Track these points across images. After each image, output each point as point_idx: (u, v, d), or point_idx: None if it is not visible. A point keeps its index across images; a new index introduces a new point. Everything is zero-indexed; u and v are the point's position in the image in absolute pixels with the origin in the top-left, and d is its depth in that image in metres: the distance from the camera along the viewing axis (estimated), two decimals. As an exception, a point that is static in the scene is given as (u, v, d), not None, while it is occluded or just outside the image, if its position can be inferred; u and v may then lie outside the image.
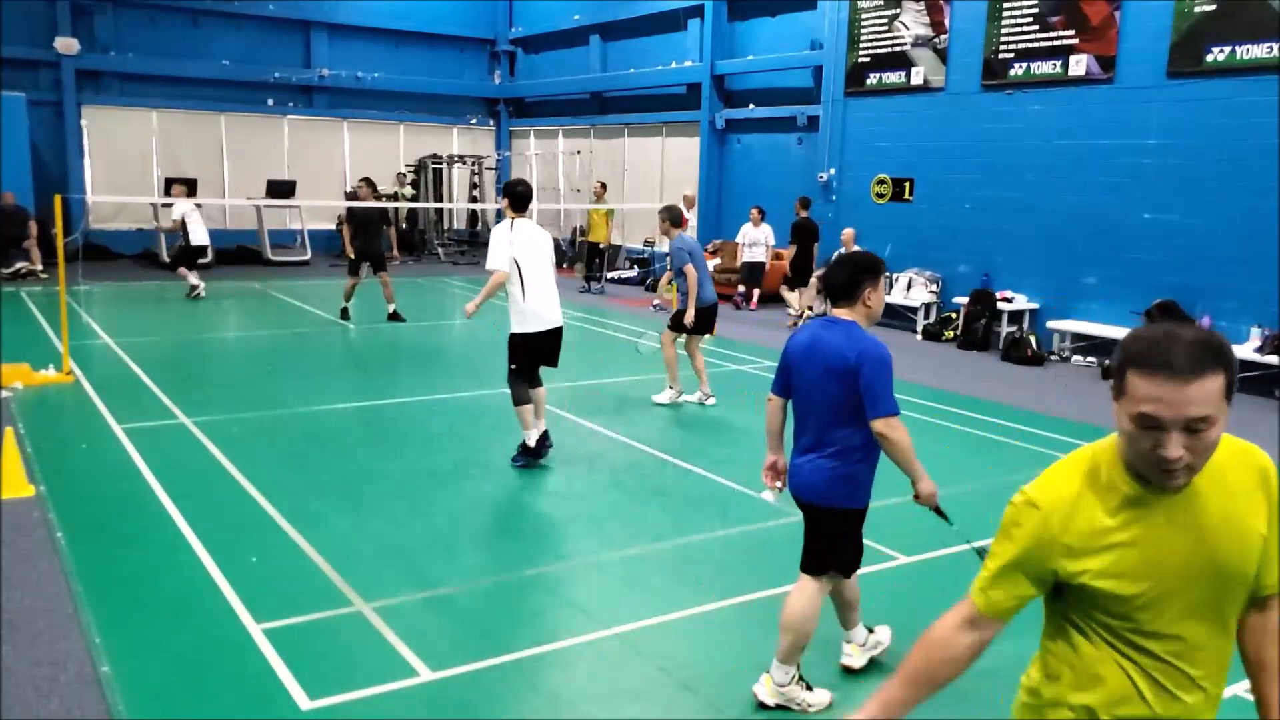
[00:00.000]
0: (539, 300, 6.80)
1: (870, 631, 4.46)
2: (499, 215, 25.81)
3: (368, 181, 14.17)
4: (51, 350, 10.22)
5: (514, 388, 6.92)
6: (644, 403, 9.26)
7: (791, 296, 14.94)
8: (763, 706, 4.02)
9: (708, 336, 9.69)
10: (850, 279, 3.93)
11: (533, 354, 6.90)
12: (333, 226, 21.27)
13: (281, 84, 22.66)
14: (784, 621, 3.99)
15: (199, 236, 15.15)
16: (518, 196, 6.89)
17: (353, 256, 13.50)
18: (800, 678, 4.05)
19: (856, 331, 3.88)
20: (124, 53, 20.92)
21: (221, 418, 8.17)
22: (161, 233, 15.23)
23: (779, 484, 4.24)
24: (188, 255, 15.23)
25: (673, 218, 9.13)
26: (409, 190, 22.79)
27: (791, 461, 4.08)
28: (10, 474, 6.32)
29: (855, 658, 4.37)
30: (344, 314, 13.71)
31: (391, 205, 14.30)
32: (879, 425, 3.76)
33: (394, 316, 13.75)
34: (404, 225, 23.13)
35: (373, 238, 13.54)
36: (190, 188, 17.86)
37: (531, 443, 6.88)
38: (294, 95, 23.09)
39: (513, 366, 6.89)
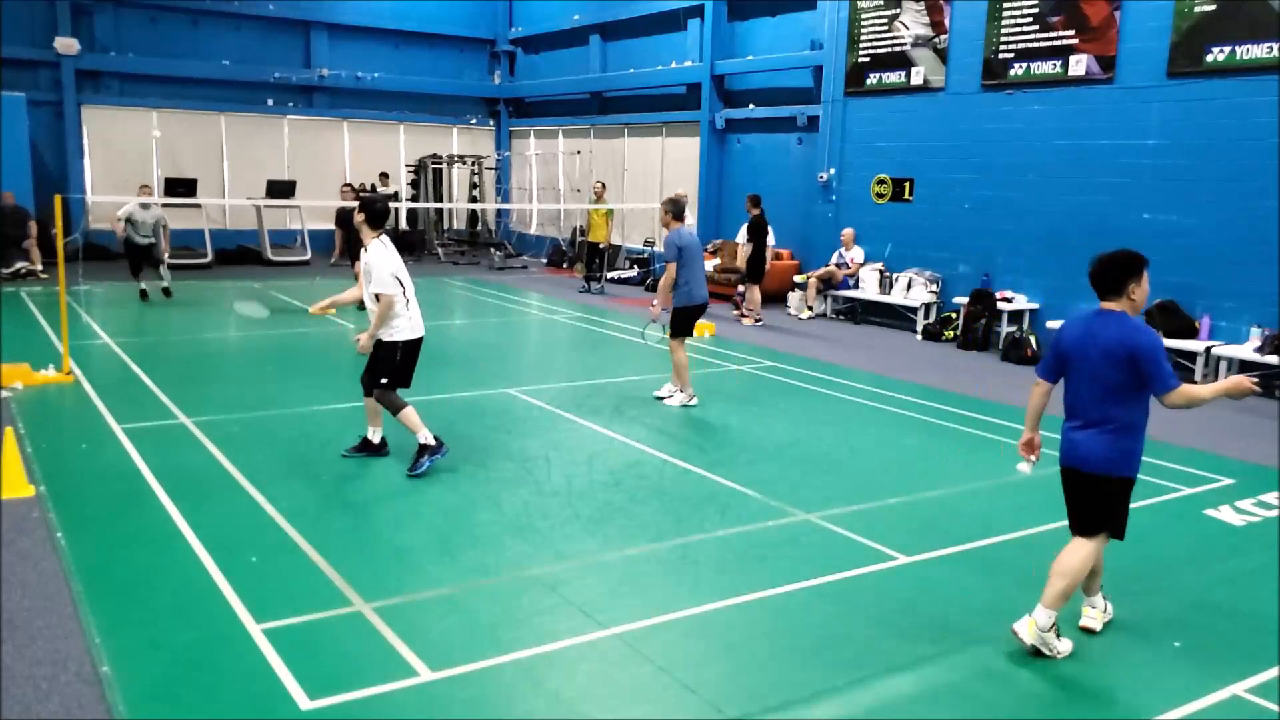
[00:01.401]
0: (415, 308, 6.95)
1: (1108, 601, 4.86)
2: (500, 216, 25.59)
3: (350, 186, 15.48)
4: (51, 350, 10.22)
5: (390, 400, 6.87)
6: (644, 403, 9.26)
7: (751, 293, 14.87)
8: (1017, 640, 4.50)
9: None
10: (1115, 275, 4.41)
11: (407, 362, 6.92)
12: (332, 226, 21.30)
13: (281, 84, 22.67)
14: (1059, 568, 4.47)
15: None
16: (380, 215, 6.94)
17: (338, 254, 15.12)
18: (1057, 627, 4.50)
19: (1127, 321, 4.38)
20: (124, 53, 20.92)
21: (221, 417, 8.17)
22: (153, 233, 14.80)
23: (1034, 458, 4.81)
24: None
25: (675, 210, 8.98)
26: (394, 189, 22.54)
27: (1067, 437, 4.57)
28: (10, 474, 6.32)
29: (1097, 621, 4.77)
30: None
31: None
32: (1169, 399, 4.28)
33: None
34: (404, 225, 23.11)
35: (356, 239, 14.04)
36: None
37: (431, 441, 6.81)
38: (294, 95, 23.09)
39: (384, 381, 6.84)
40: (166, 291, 14.82)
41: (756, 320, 14.61)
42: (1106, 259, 4.44)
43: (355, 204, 14.71)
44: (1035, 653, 4.46)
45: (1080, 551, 4.51)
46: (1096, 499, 4.52)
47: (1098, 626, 4.73)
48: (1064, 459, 4.61)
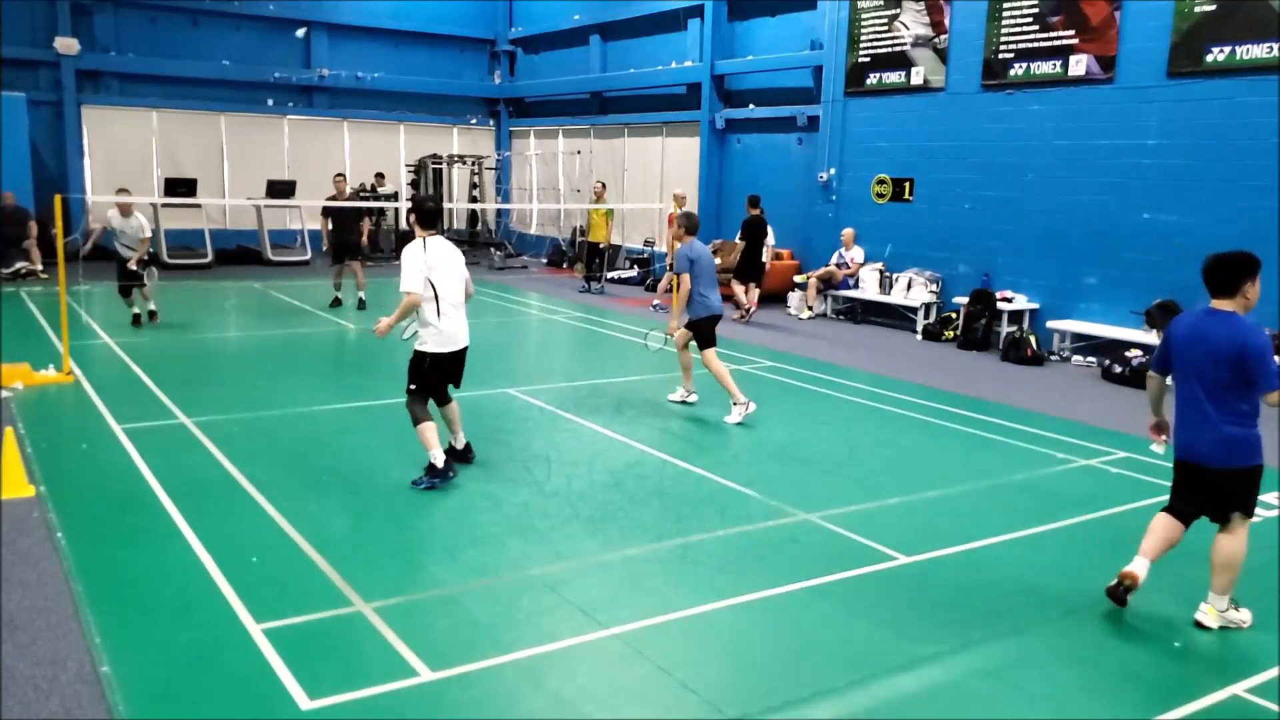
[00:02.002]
0: (452, 320, 6.67)
1: (1235, 606, 4.93)
2: (500, 216, 25.65)
3: (342, 176, 15.36)
4: (51, 350, 10.22)
5: (413, 408, 6.71)
6: (644, 403, 9.26)
7: (739, 292, 14.96)
8: (1202, 627, 4.80)
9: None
10: (1230, 274, 4.58)
11: (439, 375, 6.77)
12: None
13: (281, 84, 22.67)
14: (1218, 562, 4.74)
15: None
16: (428, 214, 6.69)
17: (325, 249, 14.75)
18: (1233, 601, 4.81)
19: (1237, 321, 4.56)
20: (124, 53, 20.92)
21: (221, 418, 8.17)
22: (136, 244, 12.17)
23: (1164, 438, 5.10)
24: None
25: (689, 225, 9.13)
26: (392, 189, 22.51)
27: (1181, 432, 4.76)
28: (10, 474, 6.32)
29: (1211, 619, 4.85)
30: (335, 302, 14.67)
31: (363, 204, 14.81)
32: (1273, 398, 4.47)
33: (361, 304, 14.62)
34: (404, 225, 23.10)
35: (348, 230, 14.35)
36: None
37: (439, 463, 6.63)
38: (294, 95, 23.09)
39: (412, 387, 6.71)
40: (151, 315, 12.64)
41: (748, 310, 14.69)
42: (1223, 258, 4.59)
43: (348, 199, 14.74)
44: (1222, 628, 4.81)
45: (1231, 542, 4.71)
46: (1220, 491, 4.70)
47: (1213, 624, 4.81)
48: (1179, 452, 4.83)
